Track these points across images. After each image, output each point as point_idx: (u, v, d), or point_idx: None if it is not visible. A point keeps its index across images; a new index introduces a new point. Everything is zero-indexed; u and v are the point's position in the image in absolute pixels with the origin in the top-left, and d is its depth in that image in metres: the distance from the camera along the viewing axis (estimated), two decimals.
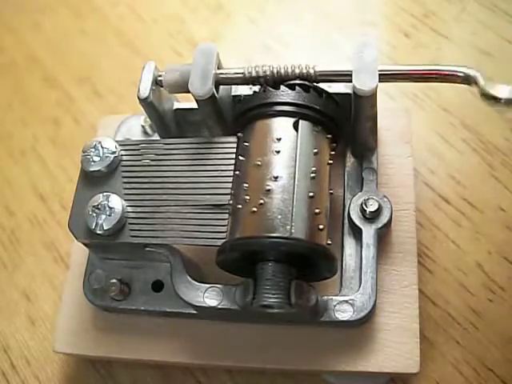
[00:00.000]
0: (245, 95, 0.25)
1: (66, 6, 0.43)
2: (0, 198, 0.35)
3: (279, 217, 0.21)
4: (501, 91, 0.20)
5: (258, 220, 0.22)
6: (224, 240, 0.22)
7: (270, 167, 0.22)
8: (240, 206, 0.22)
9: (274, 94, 0.23)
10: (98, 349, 0.26)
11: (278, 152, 0.22)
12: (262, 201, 0.22)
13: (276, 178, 0.22)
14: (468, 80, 0.21)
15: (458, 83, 0.22)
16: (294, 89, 0.23)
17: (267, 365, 0.25)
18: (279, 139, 0.23)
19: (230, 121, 0.25)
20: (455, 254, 0.29)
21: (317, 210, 0.22)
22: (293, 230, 0.21)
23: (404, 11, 0.37)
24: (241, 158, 0.23)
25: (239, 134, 0.24)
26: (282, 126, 0.23)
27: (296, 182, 0.22)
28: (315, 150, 0.23)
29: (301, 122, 0.23)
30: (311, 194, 0.22)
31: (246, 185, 0.22)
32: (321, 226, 0.22)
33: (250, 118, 0.24)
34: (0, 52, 0.42)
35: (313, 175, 0.22)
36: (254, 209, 0.22)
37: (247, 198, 0.22)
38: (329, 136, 0.24)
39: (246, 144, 0.23)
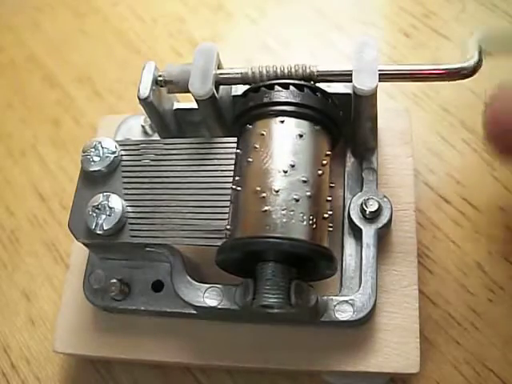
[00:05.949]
0: (243, 93, 0.25)
1: (65, 6, 0.43)
2: (0, 198, 0.35)
3: (279, 217, 0.21)
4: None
5: (258, 220, 0.22)
6: (224, 240, 0.23)
7: (270, 168, 0.22)
8: (240, 206, 0.22)
9: (275, 94, 0.23)
10: (98, 349, 0.26)
11: (279, 152, 0.22)
12: (262, 201, 0.22)
13: (276, 178, 0.22)
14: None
15: (459, 79, 0.22)
16: (295, 89, 0.23)
17: (267, 365, 0.25)
18: (279, 139, 0.23)
19: (230, 121, 0.25)
20: (455, 253, 0.29)
21: (317, 211, 0.22)
22: (293, 231, 0.21)
23: (404, 11, 0.37)
24: (240, 157, 0.23)
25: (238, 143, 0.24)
26: (282, 126, 0.23)
27: (296, 183, 0.22)
28: (315, 151, 0.23)
29: (300, 121, 0.23)
30: (311, 194, 0.22)
31: (246, 185, 0.22)
32: (321, 226, 0.22)
33: (250, 118, 0.24)
34: None
35: (313, 176, 0.22)
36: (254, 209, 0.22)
37: (247, 198, 0.22)
38: (329, 136, 0.24)
39: (246, 144, 0.23)
